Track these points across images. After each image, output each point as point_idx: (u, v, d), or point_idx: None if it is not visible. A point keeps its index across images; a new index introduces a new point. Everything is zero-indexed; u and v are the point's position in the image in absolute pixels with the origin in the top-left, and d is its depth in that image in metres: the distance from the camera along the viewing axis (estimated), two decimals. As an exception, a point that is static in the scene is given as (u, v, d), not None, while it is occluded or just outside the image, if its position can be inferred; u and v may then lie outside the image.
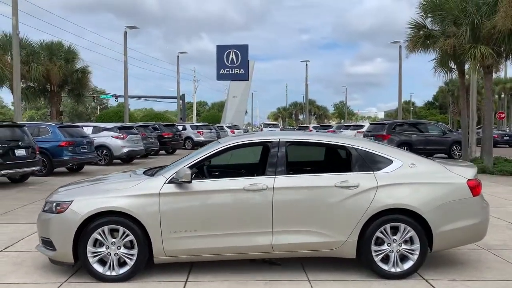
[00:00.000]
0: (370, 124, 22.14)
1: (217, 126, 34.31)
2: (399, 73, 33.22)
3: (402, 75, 33.28)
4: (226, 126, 36.57)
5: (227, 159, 6.05)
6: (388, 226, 4.66)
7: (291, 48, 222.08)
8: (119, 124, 19.56)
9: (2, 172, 11.08)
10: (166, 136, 23.61)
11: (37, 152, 12.45)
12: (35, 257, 5.39)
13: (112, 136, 17.79)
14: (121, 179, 5.19)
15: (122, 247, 4.62)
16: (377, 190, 4.65)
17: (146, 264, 4.69)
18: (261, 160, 5.85)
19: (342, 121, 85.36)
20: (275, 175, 4.72)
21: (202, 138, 28.42)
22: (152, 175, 5.01)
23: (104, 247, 4.61)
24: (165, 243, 4.58)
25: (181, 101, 47.18)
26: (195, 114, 66.27)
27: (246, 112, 55.82)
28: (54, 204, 4.73)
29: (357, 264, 4.96)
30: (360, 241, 4.66)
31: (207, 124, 32.88)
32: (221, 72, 42.37)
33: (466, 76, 20.24)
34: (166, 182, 4.66)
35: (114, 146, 17.60)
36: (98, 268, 4.61)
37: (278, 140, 4.91)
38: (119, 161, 18.85)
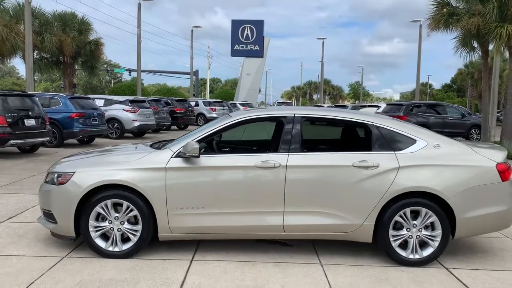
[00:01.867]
0: (387, 105, 21.57)
1: (230, 103, 33.96)
2: (419, 53, 32.28)
3: (421, 56, 32.36)
4: (239, 103, 36.15)
5: (238, 135, 5.76)
6: (408, 210, 4.36)
7: (307, 26, 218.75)
8: (131, 98, 19.33)
9: (11, 141, 10.95)
10: (178, 111, 23.36)
11: (47, 123, 12.30)
12: (38, 229, 5.22)
13: (123, 109, 17.59)
14: (127, 152, 4.94)
15: (126, 223, 4.41)
16: (398, 171, 4.33)
17: (151, 241, 4.47)
18: (274, 137, 5.54)
19: (356, 101, 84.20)
20: (288, 152, 4.42)
21: (214, 115, 28.10)
22: (159, 148, 4.75)
23: (107, 221, 4.40)
24: (171, 219, 4.35)
25: (194, 77, 46.80)
26: (208, 90, 65.81)
27: (260, 90, 55.28)
28: (56, 175, 4.51)
29: (372, 248, 4.69)
30: (378, 225, 4.37)
31: (220, 100, 32.53)
32: (235, 48, 41.69)
33: (489, 57, 19.45)
34: (173, 156, 4.39)
35: (125, 119, 17.42)
36: (101, 243, 4.41)
37: (293, 115, 4.58)
38: (130, 134, 18.72)
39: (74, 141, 15.21)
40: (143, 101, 19.39)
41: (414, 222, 4.38)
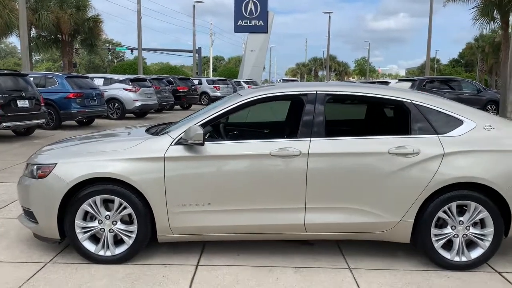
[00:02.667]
0: (399, 80, 20.64)
1: (234, 81, 33.03)
2: (429, 25, 30.99)
3: (431, 29, 31.10)
4: (243, 81, 35.19)
5: (243, 116, 5.02)
6: (454, 205, 3.65)
7: (311, 2, 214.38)
8: (131, 76, 18.51)
9: (4, 124, 10.26)
10: (181, 90, 22.51)
11: (42, 104, 11.59)
12: (21, 227, 4.55)
13: (124, 89, 16.81)
14: (118, 138, 4.22)
15: (119, 222, 3.73)
16: (442, 158, 3.60)
17: (149, 243, 3.81)
18: (290, 118, 4.80)
19: (362, 78, 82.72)
20: (310, 137, 3.69)
21: (218, 93, 27.23)
22: (156, 133, 4.03)
23: (97, 221, 3.73)
24: (172, 218, 3.67)
25: (197, 55, 45.74)
26: (211, 69, 64.61)
27: (264, 68, 54.14)
28: (35, 167, 3.81)
29: (406, 248, 4.01)
30: (417, 223, 3.67)
31: (224, 78, 31.59)
32: (239, 23, 40.37)
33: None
34: (173, 143, 3.68)
35: (126, 99, 16.66)
36: (89, 246, 3.75)
37: (315, 92, 3.83)
38: (132, 115, 18.00)
39: (73, 122, 14.52)
40: (145, 80, 18.56)
41: (461, 218, 3.68)
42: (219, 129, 4.46)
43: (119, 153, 3.68)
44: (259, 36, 40.70)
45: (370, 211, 3.65)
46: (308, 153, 3.63)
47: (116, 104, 16.74)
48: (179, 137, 3.68)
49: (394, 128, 3.94)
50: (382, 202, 3.65)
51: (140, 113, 17.89)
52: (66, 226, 3.70)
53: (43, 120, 11.66)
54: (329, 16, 43.92)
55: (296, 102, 4.13)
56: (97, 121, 15.48)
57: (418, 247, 3.79)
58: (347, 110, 4.73)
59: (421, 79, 19.23)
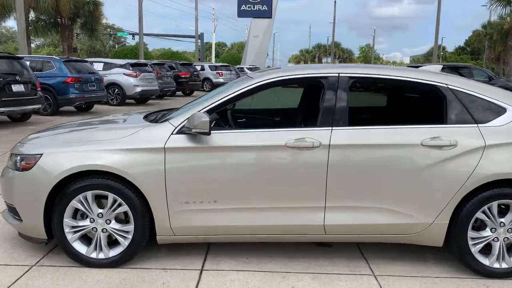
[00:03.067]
0: (408, 67, 20.05)
1: (237, 68, 32.41)
2: (438, 10, 30.12)
3: (440, 13, 30.26)
4: (246, 67, 34.54)
5: (247, 103, 4.53)
6: (494, 205, 3.20)
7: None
8: (132, 61, 17.97)
9: (-2, 110, 9.81)
10: (183, 76, 21.96)
11: (39, 89, 11.11)
12: (5, 223, 4.12)
13: (124, 74, 16.28)
14: (112, 126, 3.76)
15: (113, 221, 3.29)
16: (483, 151, 3.14)
17: (147, 244, 3.37)
18: (305, 105, 4.32)
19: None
20: (331, 126, 3.22)
21: (221, 80, 26.66)
22: (155, 121, 3.57)
23: (88, 220, 3.29)
24: (173, 217, 3.23)
25: (199, 41, 44.99)
26: (213, 55, 63.78)
27: (267, 54, 53.32)
28: (19, 157, 3.36)
29: (435, 251, 3.57)
30: (452, 224, 3.23)
31: (226, 64, 30.98)
32: (242, 8, 39.52)
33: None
34: (174, 132, 3.22)
35: (126, 84, 16.14)
36: (80, 248, 3.31)
37: (337, 75, 3.35)
38: (132, 101, 17.51)
39: (71, 108, 14.05)
40: (145, 65, 18.03)
41: (502, 220, 3.23)
42: (225, 116, 3.99)
43: (113, 143, 3.22)
44: (262, 21, 39.88)
45: (399, 211, 3.20)
46: (329, 145, 3.16)
47: (116, 90, 16.24)
48: (182, 125, 3.22)
49: (427, 117, 3.46)
50: (413, 201, 3.19)
51: (141, 99, 17.39)
52: (54, 225, 3.26)
53: (39, 106, 11.19)
54: (335, 1, 43.03)
55: (315, 86, 3.65)
56: (96, 107, 15.02)
57: (453, 252, 3.35)
58: (372, 96, 4.24)
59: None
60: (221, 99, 3.32)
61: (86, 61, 14.91)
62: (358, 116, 3.40)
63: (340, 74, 3.34)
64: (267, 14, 39.22)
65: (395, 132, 3.22)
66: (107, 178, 3.19)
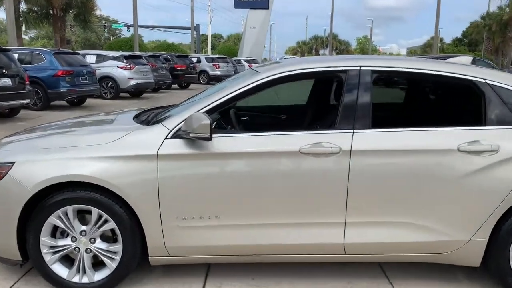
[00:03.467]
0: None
1: (234, 60, 31.81)
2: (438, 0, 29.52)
3: (440, 4, 29.68)
4: (243, 59, 33.92)
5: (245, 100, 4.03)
6: (542, 219, 2.76)
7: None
8: (126, 53, 17.41)
9: (-17, 105, 9.28)
10: (179, 68, 21.38)
11: (27, 82, 10.56)
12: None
13: (117, 66, 15.72)
14: (98, 128, 3.29)
15: (98, 240, 2.83)
16: (530, 158, 2.69)
17: (139, 263, 2.92)
18: (318, 102, 3.84)
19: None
20: (352, 129, 2.76)
21: (218, 72, 26.10)
22: (147, 122, 3.10)
23: (69, 238, 2.83)
24: (168, 235, 2.77)
25: (195, 32, 44.29)
26: (210, 46, 62.94)
27: (264, 46, 52.64)
28: (-13, 166, 2.88)
29: (466, 270, 3.13)
30: (492, 242, 2.79)
31: (223, 56, 30.35)
32: (239, -1, 38.91)
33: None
34: (169, 136, 2.75)
35: (120, 77, 15.59)
36: (60, 270, 2.86)
37: (358, 68, 2.88)
38: (127, 94, 16.96)
39: (63, 103, 13.51)
40: (140, 57, 17.45)
41: (548, 236, 2.79)
42: (228, 115, 3.52)
43: (97, 149, 2.75)
44: (259, 13, 39.20)
45: (431, 227, 2.76)
46: (350, 150, 2.71)
47: (110, 83, 15.69)
48: (178, 127, 2.75)
49: (463, 117, 3.01)
50: (447, 216, 2.75)
51: (136, 92, 16.84)
52: (29, 245, 2.80)
53: (28, 100, 10.64)
54: (332, -8, 42.35)
55: (331, 81, 3.18)
56: (89, 101, 14.48)
57: (491, 272, 2.91)
58: (399, 92, 3.76)
59: (431, 57, 18.18)
60: (224, 97, 2.85)
61: (78, 54, 14.36)
62: (383, 117, 2.94)
63: (362, 67, 2.87)
64: (264, 5, 38.55)
65: (427, 135, 2.76)
66: (90, 190, 2.73)
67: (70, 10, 26.01)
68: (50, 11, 25.09)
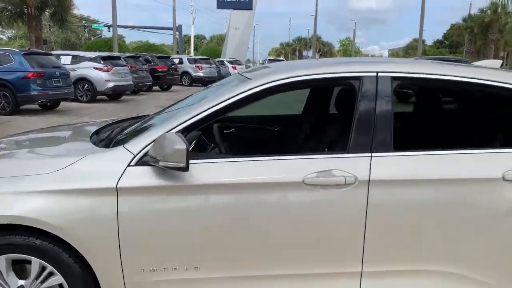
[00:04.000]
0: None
1: (218, 61, 31.10)
2: (422, 2, 29.33)
3: (424, 6, 29.49)
4: (227, 61, 33.25)
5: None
6: None
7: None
8: (103, 54, 16.58)
9: None
10: (160, 69, 20.59)
11: (-8, 85, 9.75)
12: None
13: (94, 68, 14.89)
14: (42, 151, 2.61)
15: (41, 297, 2.17)
16: None
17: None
18: (321, 115, 3.23)
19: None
20: (370, 151, 2.15)
21: (201, 74, 25.36)
22: (108, 142, 2.44)
23: (2, 296, 2.16)
24: (132, 291, 2.12)
25: (177, 33, 43.41)
26: (192, 47, 62.02)
27: (248, 47, 52.05)
28: None
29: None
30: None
31: (206, 57, 29.59)
32: (221, -1, 38.22)
33: None
34: (133, 162, 2.10)
35: (96, 79, 14.77)
36: None
37: (375, 74, 2.26)
38: (104, 97, 16.13)
39: (35, 107, 12.65)
40: (119, 58, 16.66)
41: None
42: (210, 130, 2.88)
43: (37, 180, 2.08)
44: (243, 13, 38.60)
45: (473, 277, 2.17)
46: (368, 180, 2.10)
47: (86, 85, 14.85)
48: (144, 151, 2.11)
49: (506, 137, 2.42)
50: (491, 263, 2.16)
51: (114, 95, 16.02)
52: None
53: (-7, 105, 9.83)
54: (316, -7, 42.04)
55: (340, 89, 2.55)
56: (63, 105, 13.63)
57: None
58: (426, 105, 3.14)
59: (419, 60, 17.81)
60: (206, 110, 2.20)
61: (51, 54, 13.51)
62: (409, 136, 2.34)
63: (380, 74, 2.27)
64: (248, 6, 37.96)
65: (462, 160, 2.17)
66: (28, 235, 2.06)
67: (46, 8, 24.92)
68: (25, 9, 23.99)
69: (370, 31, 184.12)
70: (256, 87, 2.21)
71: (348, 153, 2.16)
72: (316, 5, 42.06)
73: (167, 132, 2.09)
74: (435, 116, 2.95)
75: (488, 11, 44.50)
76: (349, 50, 79.76)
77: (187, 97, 2.95)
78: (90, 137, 2.57)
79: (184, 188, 2.07)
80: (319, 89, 3.13)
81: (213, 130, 2.90)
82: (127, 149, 2.14)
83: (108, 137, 2.53)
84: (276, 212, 2.10)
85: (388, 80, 2.25)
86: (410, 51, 70.38)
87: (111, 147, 2.25)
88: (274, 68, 2.62)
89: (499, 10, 41.55)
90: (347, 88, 2.32)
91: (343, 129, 2.34)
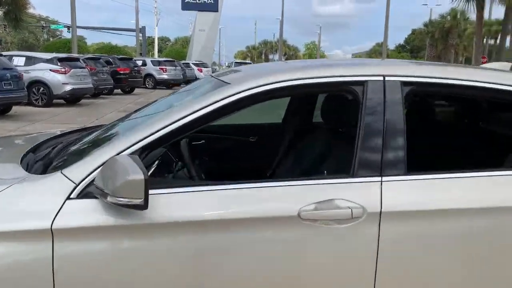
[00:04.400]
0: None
1: (183, 63, 30.36)
2: (387, 8, 29.71)
3: (389, 11, 29.85)
4: (192, 63, 32.55)
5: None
6: None
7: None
8: (61, 55, 15.64)
9: None
10: (122, 72, 19.72)
11: None
12: None
13: (50, 70, 13.95)
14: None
15: None
16: None
17: None
18: (300, 118, 2.78)
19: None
20: (380, 174, 1.71)
21: (165, 76, 24.59)
22: (42, 166, 1.89)
23: None
24: None
25: (141, 34, 42.29)
26: (156, 50, 60.79)
27: (214, 50, 51.43)
28: None
29: None
30: None
31: (171, 59, 28.80)
32: (186, 0, 37.44)
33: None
34: (73, 194, 1.57)
35: (53, 82, 13.83)
36: None
37: (381, 79, 1.83)
38: (62, 101, 15.19)
39: (-17, 111, 11.68)
40: (77, 60, 15.76)
41: None
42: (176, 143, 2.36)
43: None
44: (209, 15, 37.99)
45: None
46: (380, 212, 1.66)
47: (41, 88, 13.90)
48: (89, 179, 1.58)
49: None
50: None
51: (72, 98, 15.12)
52: None
53: None
54: (283, -4, 41.99)
55: (338, 97, 2.11)
56: (16, 109, 12.65)
57: None
58: (443, 114, 2.70)
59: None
60: (174, 122, 1.69)
61: (1, 55, 12.54)
62: (425, 154, 1.91)
63: (387, 78, 1.83)
64: (213, 8, 37.40)
65: (495, 183, 1.77)
66: None
67: (-1, 7, 23.54)
68: (-25, 7, 22.57)
69: (333, 36, 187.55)
70: (238, 93, 1.73)
71: (353, 176, 1.72)
72: (282, 9, 42.02)
73: (120, 153, 1.57)
74: (454, 128, 2.53)
75: (448, 17, 45.89)
76: (314, 54, 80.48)
77: (149, 104, 2.44)
78: (22, 158, 2.00)
79: (142, 228, 1.56)
80: (308, 94, 2.67)
81: (180, 144, 2.39)
82: (66, 176, 1.61)
83: (45, 159, 1.98)
84: (263, 256, 1.63)
85: (397, 85, 1.82)
86: (373, 55, 71.77)
87: (47, 173, 1.72)
88: (252, 71, 2.14)
89: (458, 16, 42.95)
90: (347, 95, 1.88)
91: (343, 145, 1.90)
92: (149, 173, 1.56)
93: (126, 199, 1.42)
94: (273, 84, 1.74)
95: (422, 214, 1.69)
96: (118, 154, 1.56)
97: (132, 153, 1.58)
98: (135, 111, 2.48)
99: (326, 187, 1.69)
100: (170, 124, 1.69)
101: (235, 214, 1.61)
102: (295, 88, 1.81)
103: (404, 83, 1.83)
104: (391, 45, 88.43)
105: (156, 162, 1.92)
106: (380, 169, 1.72)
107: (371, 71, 1.86)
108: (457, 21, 45.04)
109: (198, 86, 2.29)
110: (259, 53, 73.24)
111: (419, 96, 2.23)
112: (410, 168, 1.75)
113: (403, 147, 1.75)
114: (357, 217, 1.64)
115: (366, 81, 1.82)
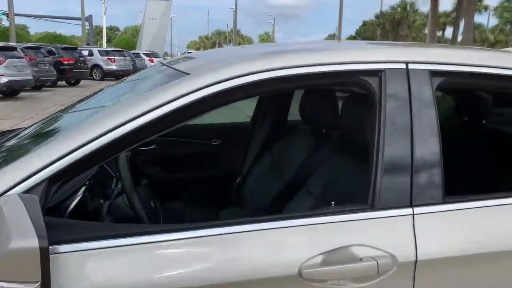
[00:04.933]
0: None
1: (133, 53, 28.96)
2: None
3: (343, 3, 29.84)
4: (142, 53, 31.15)
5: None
6: None
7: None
8: (-6, 44, 14.24)
9: None
10: (65, 62, 18.35)
11: None
12: None
13: (-18, 60, 12.65)
14: None
15: None
16: None
17: None
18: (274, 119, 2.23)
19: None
20: (410, 204, 1.19)
21: (114, 67, 23.25)
22: None
23: None
24: None
25: (87, 23, 40.12)
26: (105, 39, 58.10)
27: (165, 39, 49.90)
28: None
29: None
30: None
31: (120, 49, 27.35)
32: (136, -12, 35.91)
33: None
34: None
35: (-14, 74, 12.55)
36: None
37: (403, 67, 1.29)
38: (-2, 94, 13.85)
39: None
40: (14, 49, 14.40)
41: None
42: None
43: None
44: (159, 3, 36.60)
45: None
46: (415, 261, 1.14)
47: (-27, 81, 12.56)
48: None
49: None
50: None
51: (9, 91, 13.79)
52: None
53: None
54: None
55: (343, 92, 1.54)
56: None
57: None
58: (479, 116, 2.13)
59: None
60: (106, 134, 1.08)
61: None
62: (468, 173, 1.40)
63: (410, 66, 1.30)
64: (165, -5, 36.06)
65: None
66: None
67: None
68: None
69: (286, 26, 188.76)
70: (206, 86, 1.13)
71: (372, 209, 1.18)
72: (236, -3, 41.24)
73: (8, 190, 0.95)
74: (502, 135, 1.97)
75: (398, 8, 46.89)
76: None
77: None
78: None
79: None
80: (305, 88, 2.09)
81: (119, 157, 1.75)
82: None
83: None
84: None
85: (425, 73, 1.29)
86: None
87: None
88: (228, 56, 1.56)
89: (408, 8, 44.02)
90: (356, 90, 1.34)
91: (347, 160, 1.36)
92: (67, 211, 0.95)
93: (6, 285, 0.80)
94: (261, 74, 1.16)
95: (470, 258, 1.18)
96: (3, 192, 0.93)
97: (32, 189, 0.96)
98: (61, 111, 1.84)
99: (335, 228, 1.15)
100: (103, 135, 1.07)
101: (202, 281, 1.03)
102: (284, 80, 1.23)
103: (434, 72, 1.30)
104: (343, 36, 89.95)
105: (82, 190, 1.30)
106: (410, 195, 1.19)
107: (390, 57, 1.32)
108: (407, 12, 46.12)
109: (146, 76, 1.68)
110: (212, 43, 72.06)
111: (451, 89, 1.71)
112: (449, 192, 1.24)
113: (439, 163, 1.23)
114: (385, 271, 1.11)
115: (383, 69, 1.28)
